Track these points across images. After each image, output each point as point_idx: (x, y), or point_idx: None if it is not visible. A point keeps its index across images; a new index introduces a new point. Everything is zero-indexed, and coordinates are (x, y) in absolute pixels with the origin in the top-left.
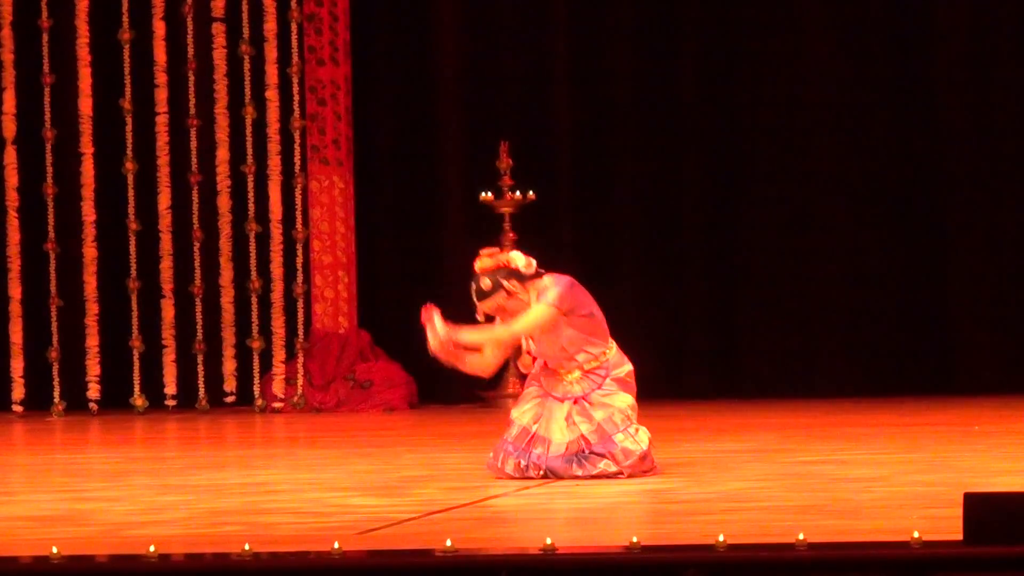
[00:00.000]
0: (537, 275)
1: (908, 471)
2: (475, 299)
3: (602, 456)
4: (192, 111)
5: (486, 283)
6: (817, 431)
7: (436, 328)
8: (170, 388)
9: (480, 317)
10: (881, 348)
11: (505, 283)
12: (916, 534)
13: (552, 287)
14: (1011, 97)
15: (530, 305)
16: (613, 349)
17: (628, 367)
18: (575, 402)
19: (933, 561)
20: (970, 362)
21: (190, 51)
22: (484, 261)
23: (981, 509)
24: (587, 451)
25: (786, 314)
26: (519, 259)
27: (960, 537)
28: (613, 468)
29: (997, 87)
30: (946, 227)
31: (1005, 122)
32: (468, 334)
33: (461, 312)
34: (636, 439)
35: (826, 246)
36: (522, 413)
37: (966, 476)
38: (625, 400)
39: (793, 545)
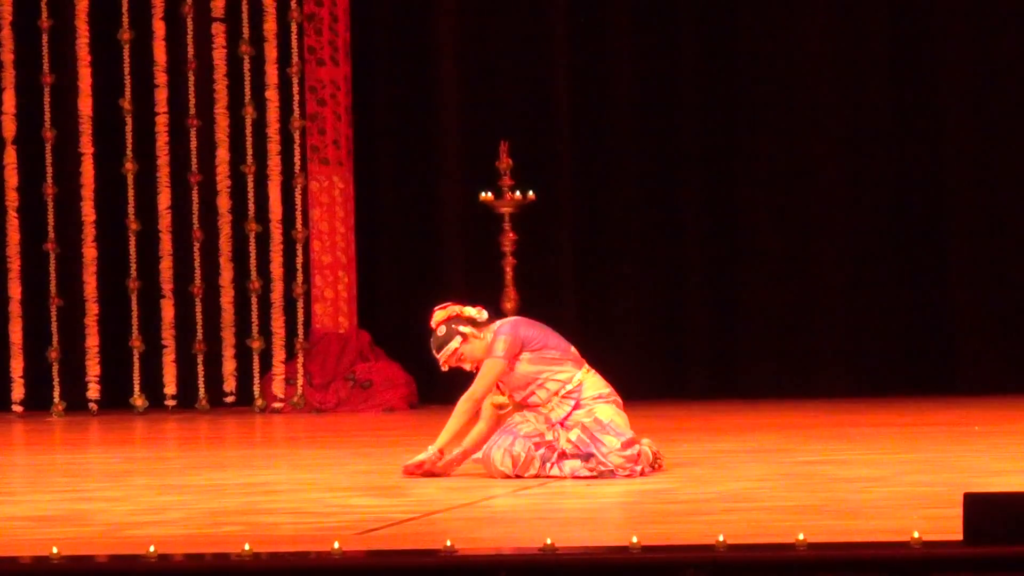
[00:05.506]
0: (489, 321)
1: (908, 471)
2: (435, 352)
3: (590, 456)
4: (192, 111)
5: (441, 331)
6: (817, 431)
7: (427, 468)
8: (170, 388)
9: (444, 367)
10: (881, 348)
11: (461, 328)
12: (916, 534)
13: (499, 337)
14: (1012, 98)
15: (488, 345)
16: (587, 375)
17: (605, 391)
18: (561, 425)
19: (933, 561)
20: (970, 362)
21: (190, 51)
22: (438, 315)
23: (981, 509)
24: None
25: (786, 315)
26: (469, 309)
27: (960, 537)
28: (609, 468)
29: (997, 87)
30: (946, 227)
31: (1006, 123)
32: (443, 438)
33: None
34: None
35: (826, 247)
36: (524, 419)
37: (966, 476)
38: (606, 411)
39: (793, 545)
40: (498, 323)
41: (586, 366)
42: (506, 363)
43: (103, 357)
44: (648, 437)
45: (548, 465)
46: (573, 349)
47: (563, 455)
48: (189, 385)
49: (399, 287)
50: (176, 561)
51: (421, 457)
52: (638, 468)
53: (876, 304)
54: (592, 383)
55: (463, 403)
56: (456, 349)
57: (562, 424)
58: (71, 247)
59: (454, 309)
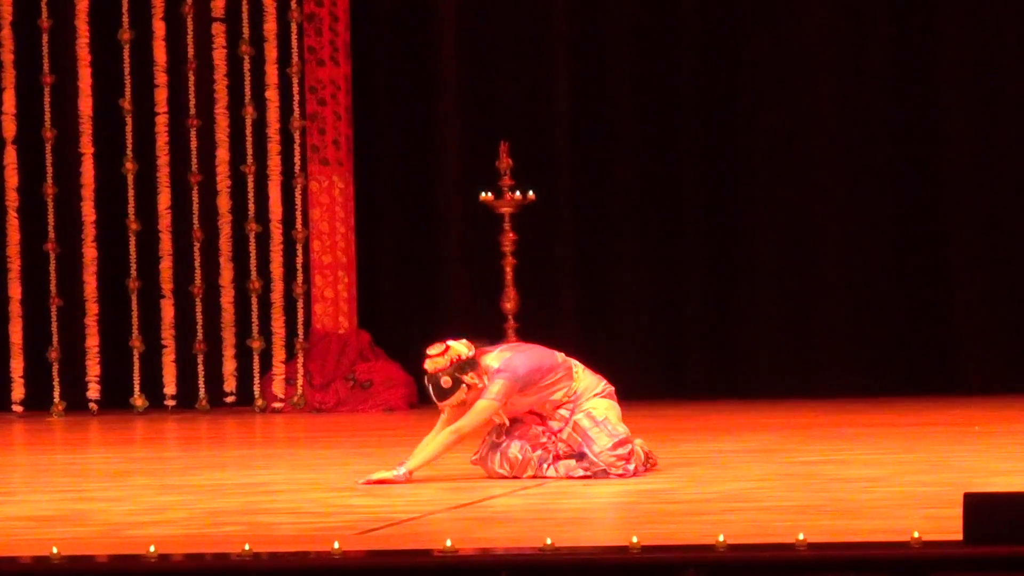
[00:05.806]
0: (478, 351)
1: (908, 471)
2: (436, 399)
3: (583, 456)
4: (192, 111)
5: (446, 381)
6: (817, 431)
7: (390, 480)
8: (170, 388)
9: (444, 413)
10: (881, 348)
11: (464, 378)
12: (916, 534)
13: (496, 379)
14: (1012, 98)
15: (485, 386)
16: (579, 382)
17: (600, 387)
18: (557, 432)
19: (933, 561)
20: (970, 362)
21: (190, 51)
22: (437, 361)
23: (981, 509)
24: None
25: (786, 314)
26: (461, 348)
27: (960, 537)
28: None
29: (998, 87)
30: (947, 227)
31: (1006, 123)
32: (416, 462)
33: (460, 314)
34: (611, 433)
35: (826, 246)
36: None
37: (966, 476)
38: (600, 406)
39: (793, 545)
40: (494, 359)
41: (575, 370)
42: (500, 406)
43: (103, 357)
44: (647, 437)
45: (545, 466)
46: (560, 357)
47: (558, 457)
48: (189, 385)
49: (399, 287)
50: (176, 561)
51: (387, 475)
52: (631, 467)
53: (876, 304)
54: (584, 385)
55: (449, 435)
56: (462, 400)
57: (560, 431)
58: (71, 247)
59: (452, 353)
